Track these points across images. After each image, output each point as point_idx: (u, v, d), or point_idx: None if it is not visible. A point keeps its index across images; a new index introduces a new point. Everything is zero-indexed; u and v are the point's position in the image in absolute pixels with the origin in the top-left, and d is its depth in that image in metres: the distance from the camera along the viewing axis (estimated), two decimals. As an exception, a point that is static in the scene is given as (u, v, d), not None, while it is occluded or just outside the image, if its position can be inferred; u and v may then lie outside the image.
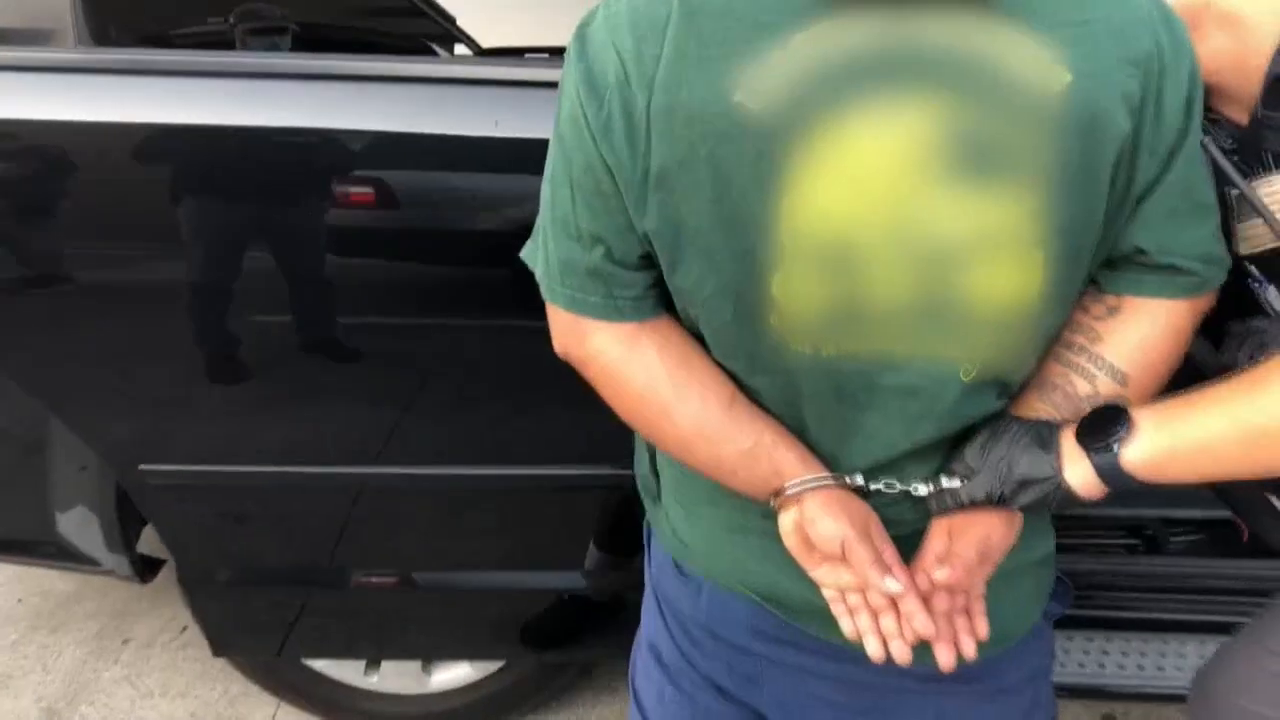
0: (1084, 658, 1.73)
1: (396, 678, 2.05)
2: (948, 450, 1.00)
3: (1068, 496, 0.91)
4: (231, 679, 2.35)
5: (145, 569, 1.86)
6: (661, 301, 0.97)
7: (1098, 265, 0.97)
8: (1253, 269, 0.99)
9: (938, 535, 0.98)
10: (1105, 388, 0.97)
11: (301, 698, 2.07)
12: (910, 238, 0.86)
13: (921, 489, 0.99)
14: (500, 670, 2.00)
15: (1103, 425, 0.89)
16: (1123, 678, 1.71)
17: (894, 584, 0.91)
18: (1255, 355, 1.00)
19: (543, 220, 0.97)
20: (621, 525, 1.60)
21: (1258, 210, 0.96)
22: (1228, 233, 0.98)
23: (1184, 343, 0.99)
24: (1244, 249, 0.99)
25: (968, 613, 1.00)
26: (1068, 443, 0.91)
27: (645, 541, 1.24)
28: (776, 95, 0.83)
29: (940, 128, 0.84)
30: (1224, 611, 1.70)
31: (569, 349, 0.99)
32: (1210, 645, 1.72)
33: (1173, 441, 0.85)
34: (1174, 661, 1.72)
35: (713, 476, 1.01)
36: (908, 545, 1.00)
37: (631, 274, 0.94)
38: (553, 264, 0.96)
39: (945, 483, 0.98)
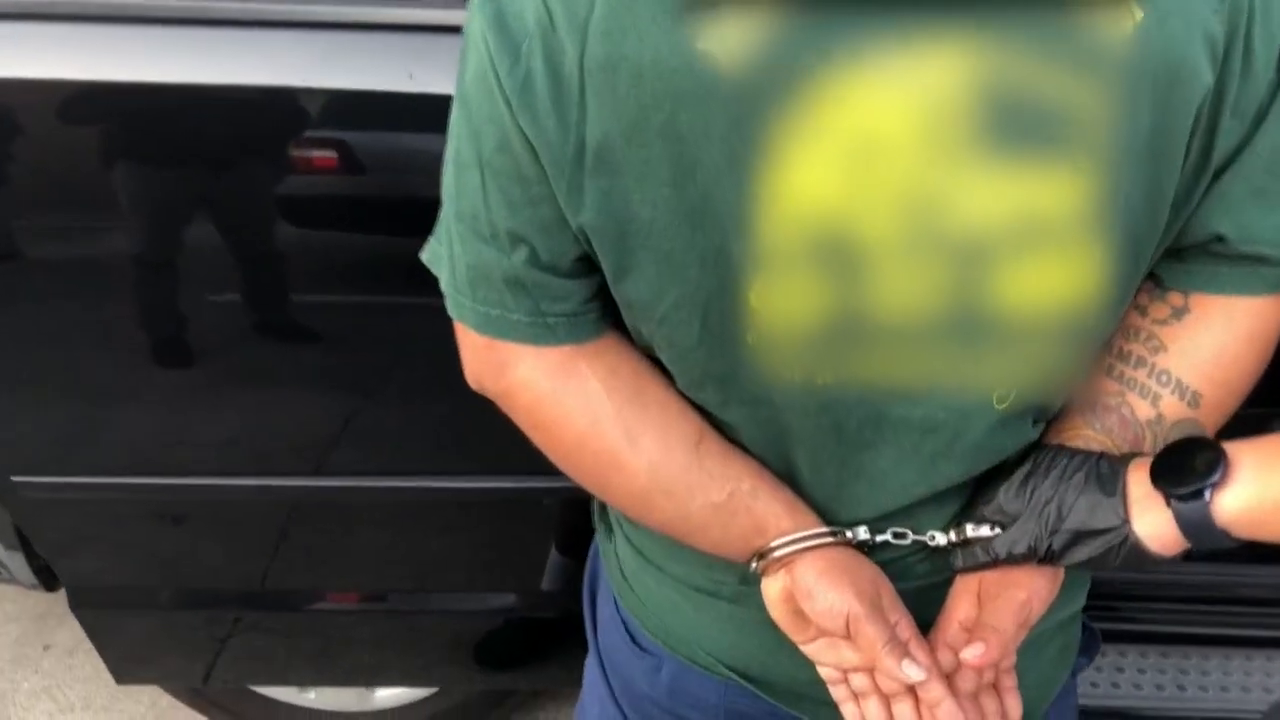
0: (1097, 675, 1.56)
1: (335, 694, 1.87)
2: (971, 490, 0.80)
3: (1136, 552, 0.72)
4: (160, 691, 2.16)
5: (52, 576, 1.66)
6: (606, 317, 0.76)
7: (1161, 256, 0.77)
8: None
9: (963, 599, 0.80)
10: (1171, 409, 0.78)
11: (231, 716, 1.90)
12: (931, 230, 0.67)
13: (940, 539, 0.80)
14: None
15: (1188, 463, 0.70)
16: (1139, 698, 1.55)
17: (915, 671, 0.74)
18: None
19: (446, 214, 0.75)
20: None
21: None
22: None
23: (1269, 351, 0.80)
24: None
25: (996, 688, 0.81)
26: (1138, 485, 0.73)
27: (588, 576, 1.03)
28: (755, 43, 0.63)
29: (972, 83, 0.64)
30: (1254, 625, 1.53)
31: (483, 380, 0.78)
32: (1236, 661, 1.56)
33: None
34: (1196, 679, 1.55)
35: (676, 536, 0.81)
36: (918, 602, 0.81)
37: (565, 283, 0.73)
38: (460, 272, 0.74)
39: (972, 531, 0.79)
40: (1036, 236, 0.68)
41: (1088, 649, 0.98)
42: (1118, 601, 1.55)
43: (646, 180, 0.67)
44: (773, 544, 0.78)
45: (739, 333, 0.71)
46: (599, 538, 0.99)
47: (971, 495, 0.81)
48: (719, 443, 0.78)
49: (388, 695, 1.87)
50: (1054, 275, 0.70)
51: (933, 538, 0.80)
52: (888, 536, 0.80)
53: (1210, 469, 0.68)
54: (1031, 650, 0.85)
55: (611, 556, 0.95)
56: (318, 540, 1.48)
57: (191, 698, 1.88)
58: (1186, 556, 0.72)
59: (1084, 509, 0.73)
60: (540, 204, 0.69)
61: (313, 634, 1.64)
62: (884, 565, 0.81)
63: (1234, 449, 0.69)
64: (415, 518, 1.44)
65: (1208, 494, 0.68)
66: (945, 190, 0.66)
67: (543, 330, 0.73)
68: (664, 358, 0.75)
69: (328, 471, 1.36)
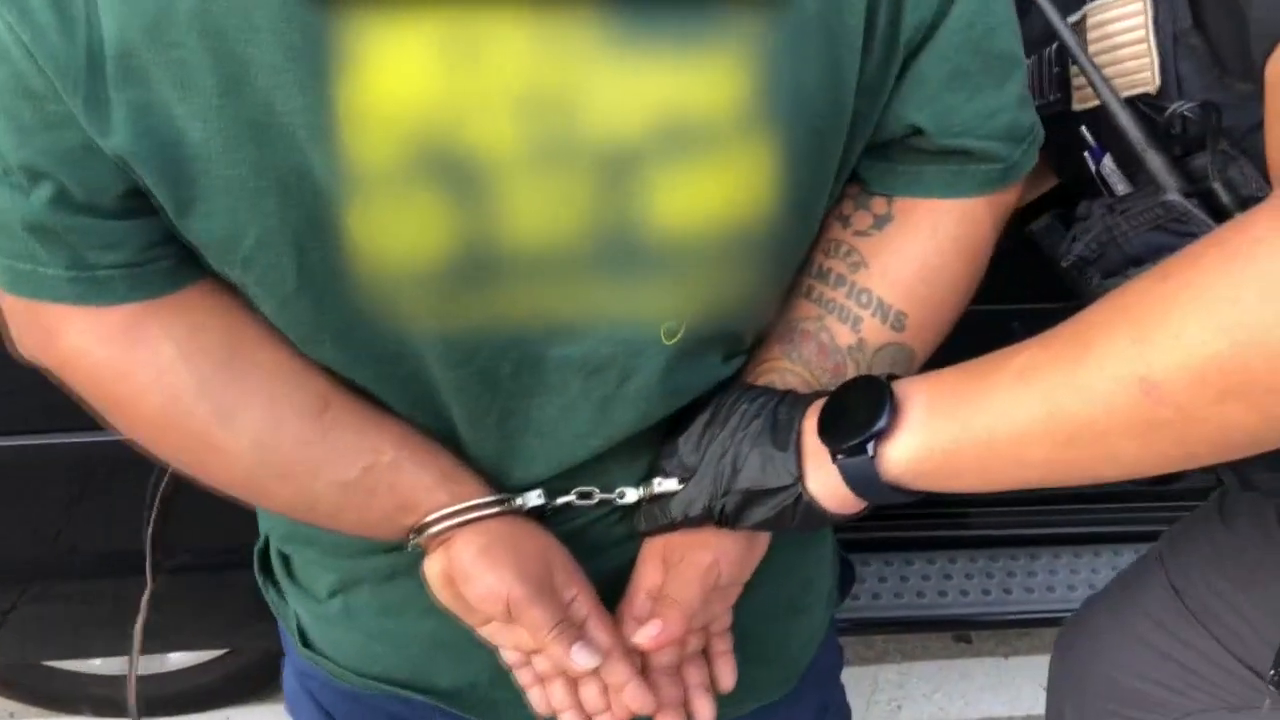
0: (924, 584, 1.51)
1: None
2: (659, 439, 0.70)
3: (812, 513, 0.62)
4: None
5: None
6: (189, 264, 0.62)
7: (857, 156, 0.66)
8: (1084, 132, 0.71)
9: (650, 564, 0.71)
10: (875, 333, 0.69)
11: (4, 686, 1.77)
12: (560, 139, 0.56)
13: (631, 495, 0.70)
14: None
15: (852, 411, 0.60)
16: (965, 605, 1.50)
17: (584, 657, 0.65)
18: (1096, 277, 0.71)
19: None
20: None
21: (1069, 51, 0.69)
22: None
23: (982, 260, 0.70)
24: (1076, 102, 0.72)
25: (708, 654, 0.72)
26: (811, 434, 0.62)
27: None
28: None
29: None
30: (1076, 523, 1.48)
31: (34, 351, 0.64)
32: (1064, 560, 1.52)
33: (958, 436, 0.56)
34: (1023, 581, 1.51)
35: (307, 522, 0.70)
36: (622, 568, 0.73)
37: (113, 226, 0.58)
38: None
39: (659, 486, 0.68)
40: (688, 141, 0.57)
41: (844, 584, 0.90)
42: (937, 508, 1.49)
43: (188, 89, 0.53)
44: (425, 520, 0.67)
45: (346, 273, 0.59)
46: (271, 602, 0.85)
47: (662, 443, 0.71)
48: (352, 409, 0.66)
49: (180, 657, 1.77)
50: (713, 184, 0.59)
51: (622, 494, 0.70)
52: (571, 498, 0.70)
53: (873, 417, 0.58)
54: (783, 623, 0.78)
55: (290, 618, 0.82)
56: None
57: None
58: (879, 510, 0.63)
59: (756, 465, 0.63)
60: (59, 127, 0.54)
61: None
62: (574, 532, 0.71)
63: (906, 389, 0.59)
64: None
65: (871, 446, 0.58)
66: (571, 91, 0.55)
67: (91, 287, 0.59)
68: (265, 311, 0.63)
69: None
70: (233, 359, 0.63)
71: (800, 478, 0.62)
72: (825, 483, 0.61)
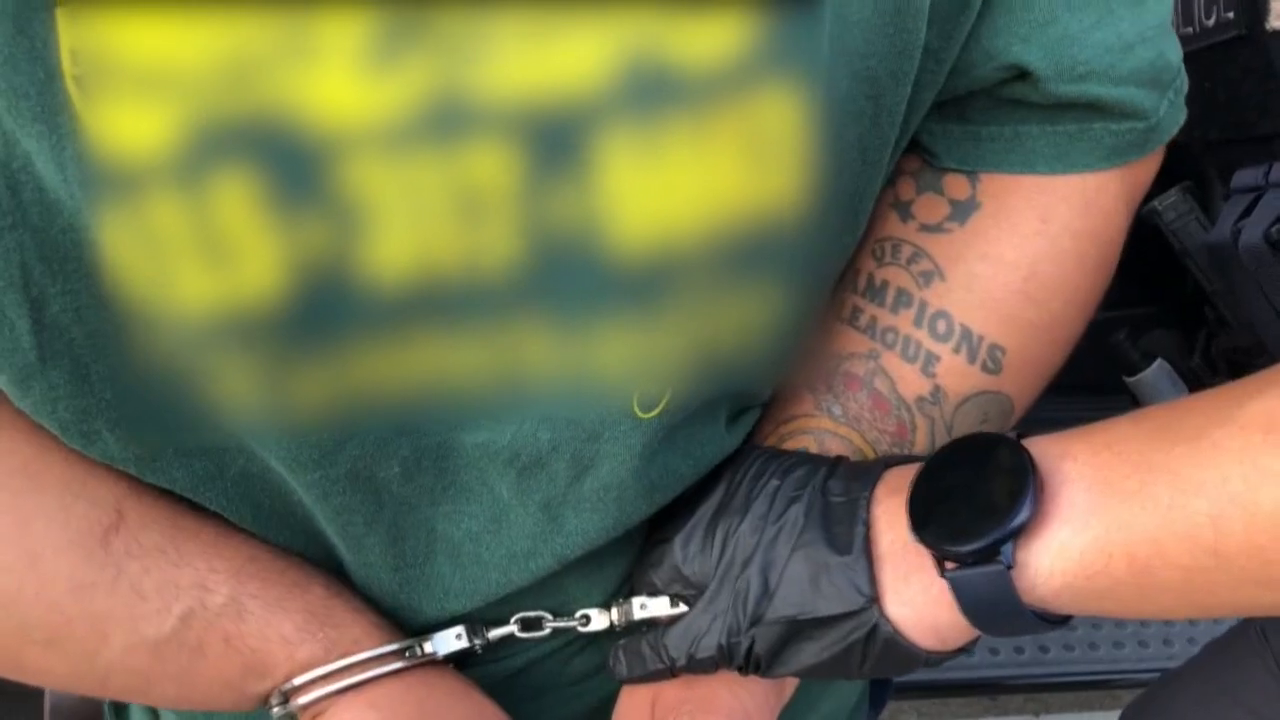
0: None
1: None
2: (644, 538, 0.49)
3: (897, 651, 0.42)
4: None
5: None
6: None
7: (921, 115, 0.46)
8: None
9: None
10: (958, 377, 0.48)
11: None
12: (452, 90, 0.35)
13: (599, 619, 0.48)
14: None
15: (965, 492, 0.40)
16: (994, 666, 1.31)
17: None
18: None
19: None
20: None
21: None
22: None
23: (1111, 263, 0.51)
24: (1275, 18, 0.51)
25: None
26: (892, 527, 0.42)
27: None
28: None
29: None
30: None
31: None
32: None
33: (1154, 532, 0.36)
34: (1061, 638, 1.31)
35: (102, 697, 0.50)
36: (587, 715, 0.52)
37: None
38: None
39: (642, 609, 0.47)
40: (666, 95, 0.36)
41: (877, 697, 0.68)
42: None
43: None
44: (286, 686, 0.44)
45: (112, 321, 0.37)
46: None
47: (647, 537, 0.49)
48: (161, 524, 0.43)
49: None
50: (707, 163, 0.37)
51: (586, 620, 0.48)
52: (511, 629, 0.47)
53: (1011, 503, 0.37)
54: None
55: None
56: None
57: None
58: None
59: (802, 578, 0.42)
60: None
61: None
62: (514, 673, 0.50)
63: (1053, 459, 0.38)
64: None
65: (1009, 550, 0.37)
66: (464, 21, 0.34)
67: None
68: (8, 392, 0.40)
69: None
70: None
71: (876, 598, 0.40)
72: (918, 604, 0.41)
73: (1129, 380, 0.68)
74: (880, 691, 0.71)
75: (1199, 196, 0.56)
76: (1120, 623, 1.33)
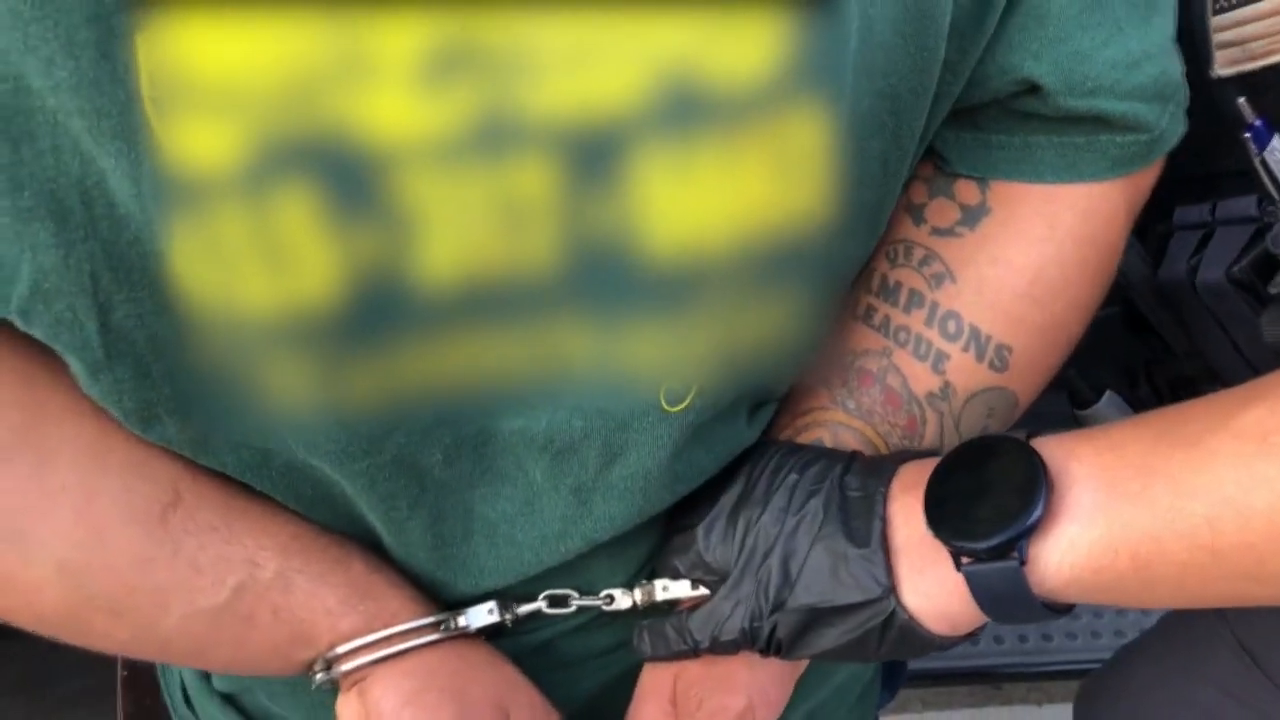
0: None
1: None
2: (666, 523, 0.51)
3: (912, 637, 0.44)
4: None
5: None
6: None
7: (936, 125, 0.49)
8: (1242, 104, 0.52)
9: (651, 706, 0.51)
10: (966, 375, 0.51)
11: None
12: (500, 107, 0.37)
13: (623, 599, 0.51)
14: None
15: (979, 490, 0.42)
16: (998, 655, 1.35)
17: None
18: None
19: None
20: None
21: None
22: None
23: (1112, 268, 0.53)
24: (1222, 65, 0.52)
25: None
26: (908, 523, 0.44)
27: None
28: None
29: None
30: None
31: None
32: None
33: (1158, 530, 0.39)
34: (1065, 626, 1.34)
35: (162, 662, 0.53)
36: (609, 687, 0.54)
37: None
38: None
39: (664, 590, 0.50)
40: (699, 114, 0.38)
41: (891, 681, 0.71)
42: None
43: None
44: (329, 654, 0.47)
45: (174, 335, 0.40)
46: None
47: (668, 523, 0.52)
48: (215, 504, 0.46)
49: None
50: (737, 178, 0.40)
51: (610, 599, 0.51)
52: (539, 604, 0.50)
53: (1024, 501, 0.40)
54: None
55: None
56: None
57: None
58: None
59: (823, 568, 0.45)
60: None
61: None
62: (540, 646, 0.52)
63: (1062, 459, 0.41)
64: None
65: (1024, 546, 0.40)
66: (513, 43, 0.36)
67: None
68: (78, 381, 0.43)
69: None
70: (24, 441, 0.42)
71: (893, 587, 0.43)
72: (933, 595, 0.43)
73: (1080, 414, 0.69)
74: (894, 676, 0.74)
75: (1137, 230, 0.57)
76: (1122, 612, 1.35)
